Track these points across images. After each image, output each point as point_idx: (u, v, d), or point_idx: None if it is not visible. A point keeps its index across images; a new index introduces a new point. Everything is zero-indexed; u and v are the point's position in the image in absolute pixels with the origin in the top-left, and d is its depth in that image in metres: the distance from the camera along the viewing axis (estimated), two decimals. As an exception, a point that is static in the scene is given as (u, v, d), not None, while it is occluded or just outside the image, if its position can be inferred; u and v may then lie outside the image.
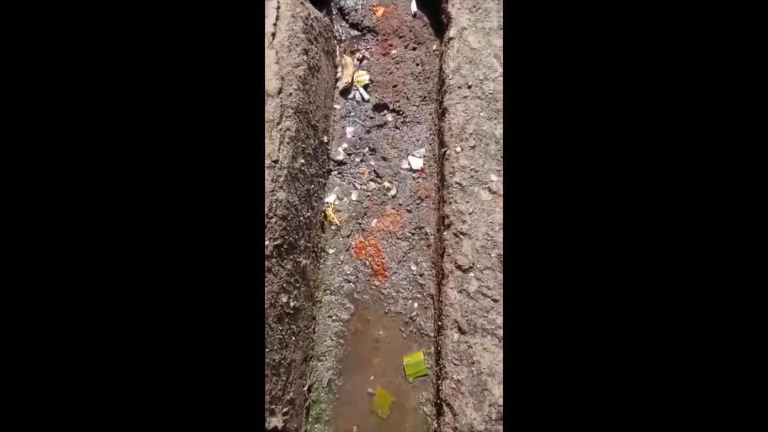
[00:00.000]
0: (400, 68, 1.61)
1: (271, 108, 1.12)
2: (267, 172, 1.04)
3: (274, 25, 1.27)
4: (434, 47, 1.60)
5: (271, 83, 1.15)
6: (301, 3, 1.35)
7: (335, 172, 1.47)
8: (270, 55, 1.21)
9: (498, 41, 1.33)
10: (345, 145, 1.50)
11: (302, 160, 1.21)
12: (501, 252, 1.01)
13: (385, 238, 1.34)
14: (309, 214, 1.23)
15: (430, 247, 1.29)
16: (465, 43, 1.35)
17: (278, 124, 1.12)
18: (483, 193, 1.10)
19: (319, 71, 1.42)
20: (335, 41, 1.65)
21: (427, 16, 1.67)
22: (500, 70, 1.27)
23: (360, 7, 1.78)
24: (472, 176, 1.13)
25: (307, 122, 1.27)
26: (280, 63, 1.21)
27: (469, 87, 1.27)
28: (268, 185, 1.03)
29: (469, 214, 1.08)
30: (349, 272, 1.31)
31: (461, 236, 1.06)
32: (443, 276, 1.06)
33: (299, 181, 1.17)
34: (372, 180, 1.45)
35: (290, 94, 1.18)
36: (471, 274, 1.02)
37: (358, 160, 1.48)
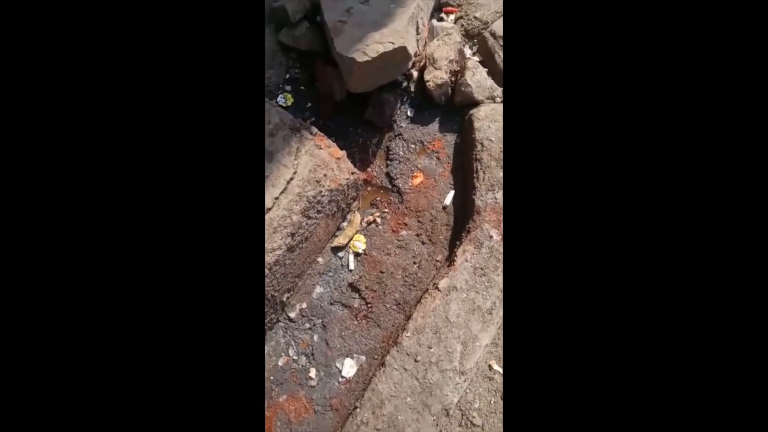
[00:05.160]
0: (398, 255, 1.54)
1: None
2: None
3: (276, 199, 1.25)
4: (439, 257, 1.51)
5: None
6: (317, 181, 1.30)
7: (282, 324, 1.50)
8: (252, 238, 1.20)
9: (475, 327, 1.24)
10: (304, 305, 1.51)
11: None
12: None
13: (284, 423, 1.39)
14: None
15: (309, 462, 1.33)
16: (446, 306, 1.27)
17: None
18: (354, 485, 1.11)
19: (307, 241, 1.39)
20: (358, 191, 1.58)
21: (455, 217, 1.56)
22: (455, 363, 1.20)
23: (404, 161, 1.68)
24: (356, 460, 1.13)
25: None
26: (258, 250, 1.21)
27: (416, 361, 1.22)
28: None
29: (330, 498, 1.10)
30: (236, 432, 1.39)
31: None
32: None
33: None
34: (305, 355, 1.47)
35: (247, 288, 1.19)
36: None
37: (307, 326, 1.50)
